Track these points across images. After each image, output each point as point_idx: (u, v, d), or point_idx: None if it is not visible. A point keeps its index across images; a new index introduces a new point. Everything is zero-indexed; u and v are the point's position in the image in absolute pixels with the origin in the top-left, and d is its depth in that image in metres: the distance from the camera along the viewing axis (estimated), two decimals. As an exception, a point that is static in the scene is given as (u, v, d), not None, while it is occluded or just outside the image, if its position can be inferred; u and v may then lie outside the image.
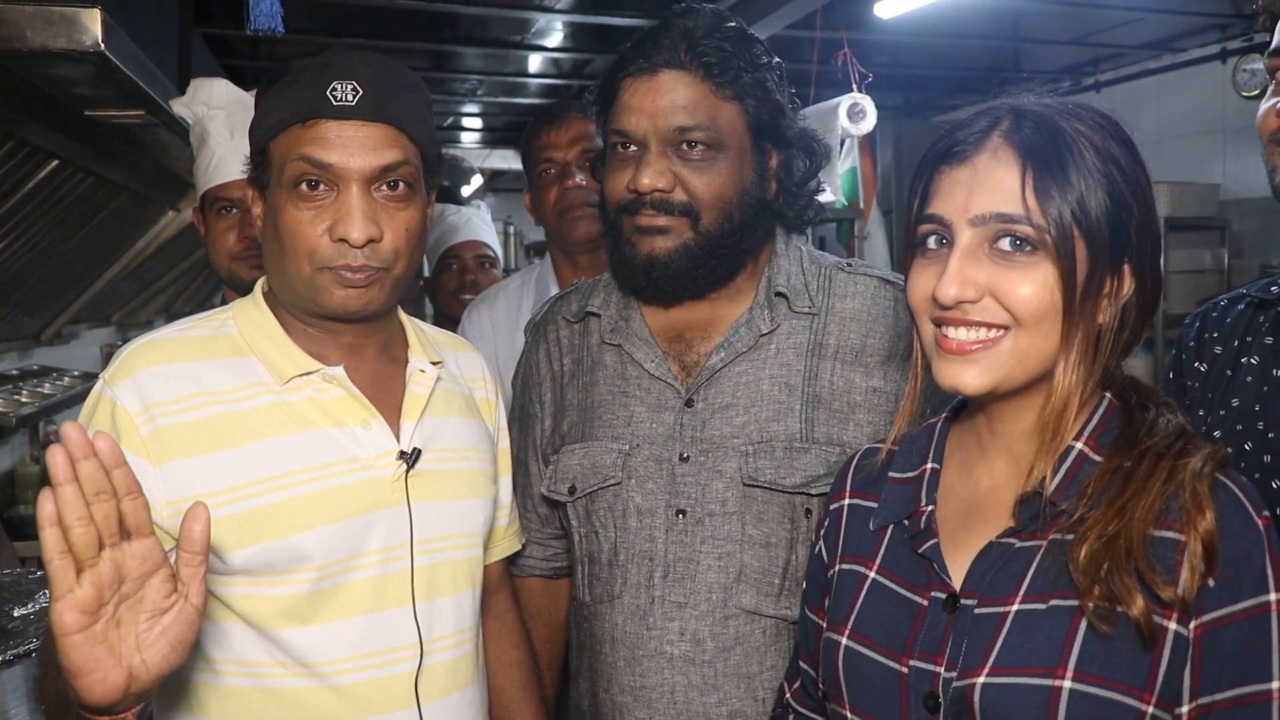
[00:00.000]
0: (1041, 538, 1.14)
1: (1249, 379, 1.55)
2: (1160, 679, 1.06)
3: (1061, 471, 1.16)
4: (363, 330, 1.46)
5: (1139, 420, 1.16)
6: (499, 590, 1.70)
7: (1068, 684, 1.07)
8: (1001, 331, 1.13)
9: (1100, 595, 1.06)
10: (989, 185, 1.13)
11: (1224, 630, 1.06)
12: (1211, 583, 1.06)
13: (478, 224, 3.51)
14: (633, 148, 1.59)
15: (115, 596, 1.06)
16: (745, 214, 1.60)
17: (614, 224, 1.64)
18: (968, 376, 1.15)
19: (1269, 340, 1.54)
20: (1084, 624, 1.08)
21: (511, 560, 1.76)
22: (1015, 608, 1.12)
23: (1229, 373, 1.57)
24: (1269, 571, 1.07)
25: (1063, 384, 1.13)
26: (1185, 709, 1.07)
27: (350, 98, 1.35)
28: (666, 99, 1.56)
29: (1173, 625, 1.06)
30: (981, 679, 1.11)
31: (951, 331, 1.15)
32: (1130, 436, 1.15)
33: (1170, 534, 1.08)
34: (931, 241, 1.17)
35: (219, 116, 2.20)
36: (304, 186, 1.35)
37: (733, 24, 1.61)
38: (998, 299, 1.12)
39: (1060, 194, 1.10)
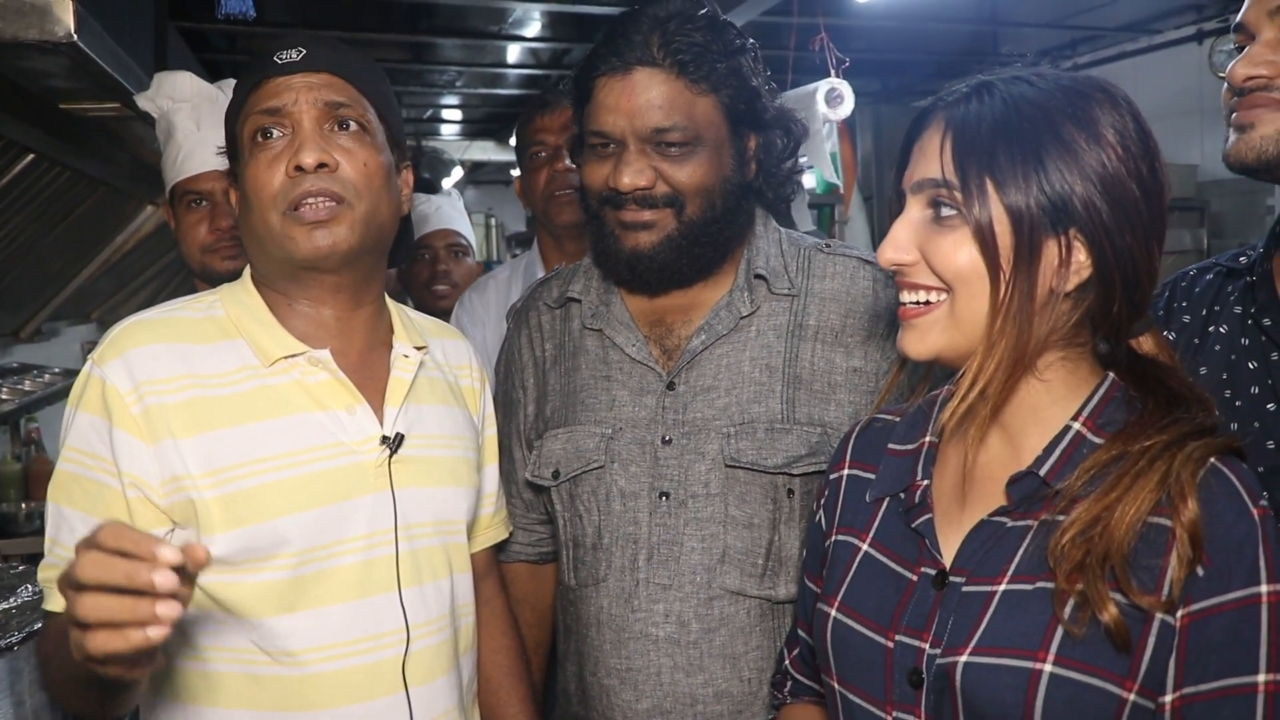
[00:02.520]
0: (1033, 517, 1.14)
1: (1217, 347, 1.56)
2: (1144, 667, 1.05)
3: (1057, 452, 1.15)
4: (345, 296, 1.46)
5: (1152, 409, 1.14)
6: (486, 578, 1.71)
7: (1048, 667, 1.06)
8: (938, 295, 1.16)
9: (1075, 593, 1.06)
10: (927, 153, 1.16)
11: (1211, 620, 1.04)
12: (1200, 571, 1.05)
13: (449, 212, 3.46)
14: (610, 145, 1.59)
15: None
16: (728, 200, 1.61)
17: (596, 214, 1.64)
18: (908, 342, 1.19)
19: (1237, 310, 1.56)
20: (1069, 608, 1.07)
21: (498, 546, 1.76)
22: (1002, 588, 1.12)
23: (1196, 341, 1.58)
24: (1261, 563, 1.05)
25: (987, 345, 1.12)
26: (1169, 698, 1.06)
27: (295, 56, 1.42)
28: (642, 98, 1.55)
29: (1159, 613, 1.05)
30: (964, 658, 1.11)
31: (902, 295, 1.19)
32: (1138, 426, 1.13)
33: (1164, 521, 1.07)
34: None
35: (184, 109, 2.18)
36: (260, 137, 1.40)
37: (704, 11, 1.60)
38: (928, 262, 1.15)
39: (978, 159, 1.11)
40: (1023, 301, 1.11)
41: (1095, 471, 1.11)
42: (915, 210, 1.18)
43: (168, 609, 0.99)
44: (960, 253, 1.13)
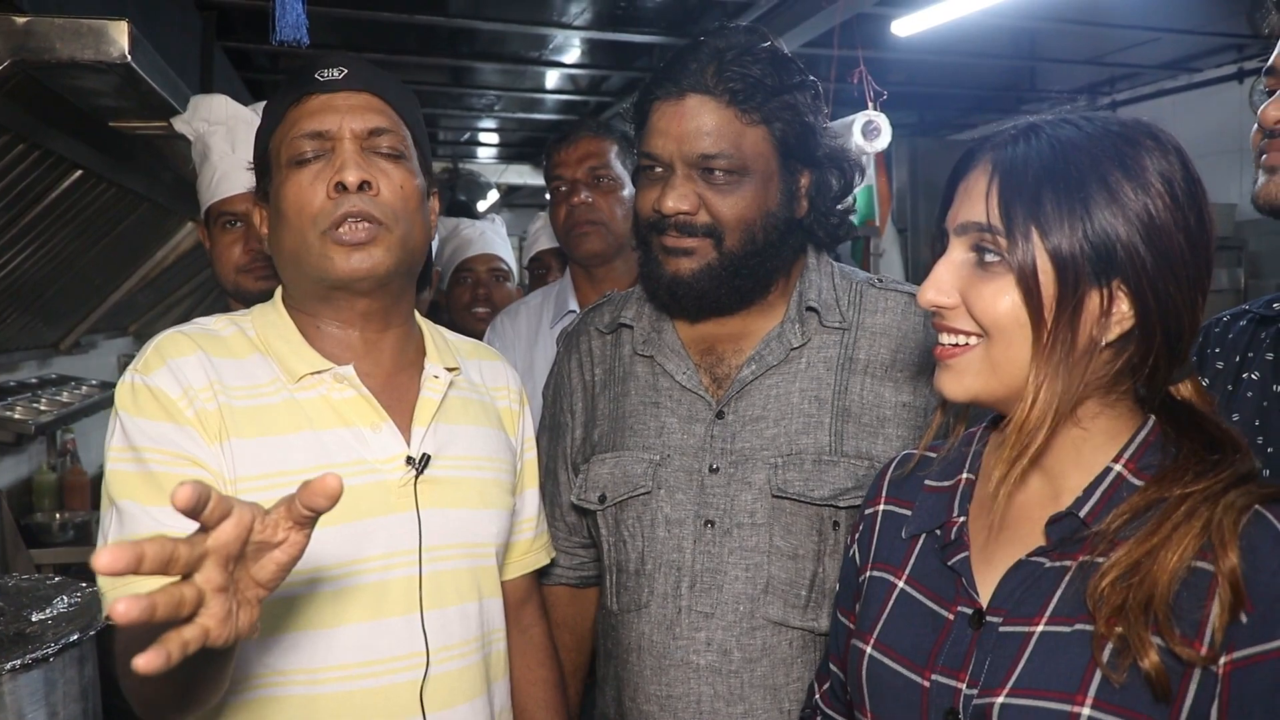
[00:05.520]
0: (1071, 559, 1.12)
1: (1249, 394, 1.54)
2: (1184, 714, 1.03)
3: (1097, 493, 1.14)
4: (374, 318, 1.47)
5: (1189, 453, 1.13)
6: (526, 604, 1.69)
7: (1087, 711, 1.04)
8: (975, 340, 1.15)
9: (1115, 639, 1.04)
10: (972, 195, 1.15)
11: (1255, 669, 1.02)
12: (1244, 618, 1.02)
13: (491, 237, 3.54)
14: (659, 169, 1.61)
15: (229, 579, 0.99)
16: (770, 235, 1.61)
17: (644, 240, 1.66)
18: (945, 383, 1.19)
19: (1269, 356, 1.54)
20: (1108, 651, 1.05)
21: (540, 571, 1.75)
22: (1040, 629, 1.11)
23: (1229, 388, 1.57)
24: None
25: (1030, 396, 1.11)
26: None
27: (336, 75, 1.45)
28: (691, 124, 1.57)
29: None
30: (1001, 699, 1.09)
31: (940, 336, 1.19)
32: (1176, 470, 1.11)
33: (1207, 565, 1.05)
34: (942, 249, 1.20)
35: (220, 132, 2.21)
36: (300, 156, 1.42)
37: (766, 44, 1.61)
38: (968, 307, 1.14)
39: (1024, 206, 1.10)
40: (1064, 352, 1.10)
41: (1133, 515, 1.10)
42: (958, 252, 1.17)
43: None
44: (1002, 300, 1.12)
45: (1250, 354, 1.57)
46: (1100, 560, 1.08)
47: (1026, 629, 1.12)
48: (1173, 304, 1.10)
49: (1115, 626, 1.04)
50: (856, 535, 1.40)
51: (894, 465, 1.40)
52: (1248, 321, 1.61)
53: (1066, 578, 1.12)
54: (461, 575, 1.47)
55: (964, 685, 1.14)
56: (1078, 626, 1.08)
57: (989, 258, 1.13)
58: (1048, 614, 1.11)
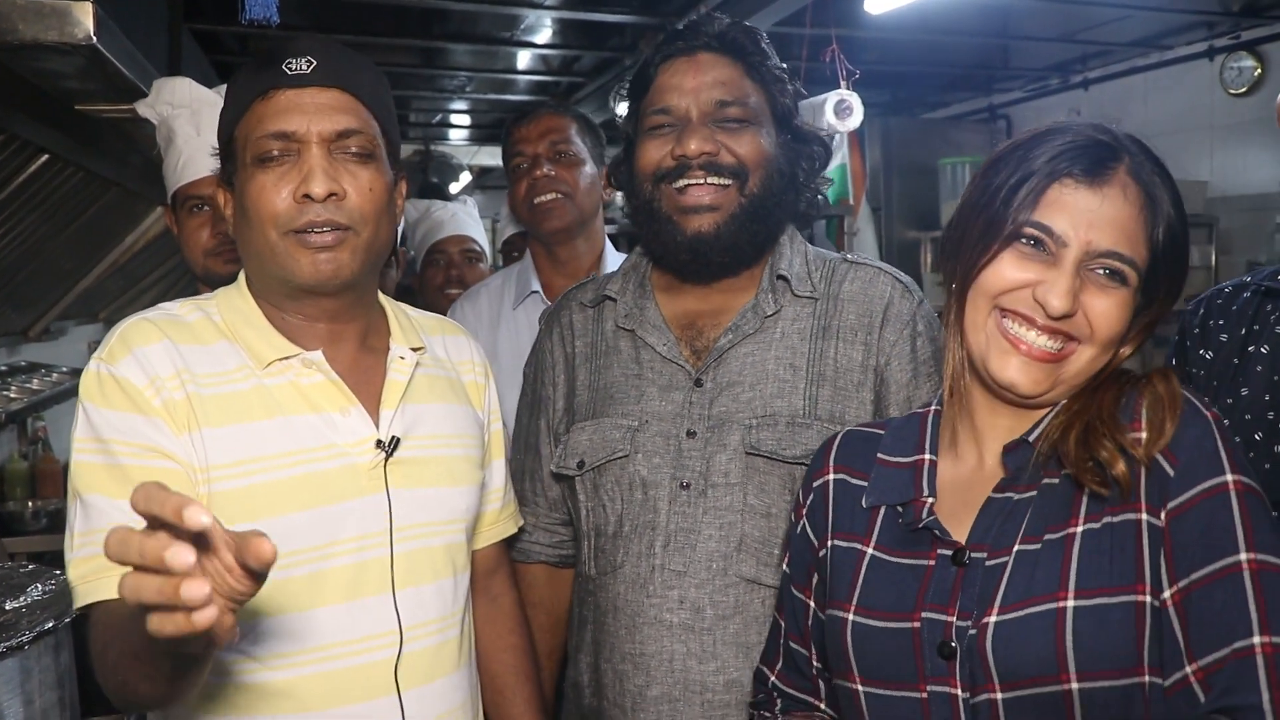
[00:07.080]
0: (1035, 488, 1.23)
1: (1259, 368, 1.55)
2: (1147, 571, 1.14)
3: (1045, 422, 1.25)
4: (340, 313, 1.48)
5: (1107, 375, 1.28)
6: (495, 573, 1.72)
7: (1071, 603, 1.14)
8: (1073, 345, 1.22)
9: (1091, 469, 1.17)
10: (1116, 224, 1.21)
11: (1188, 513, 1.14)
12: (1171, 472, 1.16)
13: (464, 219, 3.53)
14: (672, 124, 1.68)
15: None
16: (781, 180, 1.70)
17: (649, 200, 1.70)
18: (1024, 379, 1.23)
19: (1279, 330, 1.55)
20: (1076, 547, 1.17)
21: (515, 545, 1.77)
22: (1015, 549, 1.20)
23: (1236, 361, 1.58)
24: (1222, 455, 1.16)
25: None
26: (1167, 594, 1.13)
27: (305, 68, 1.41)
28: (708, 76, 1.67)
29: (1145, 517, 1.15)
30: (992, 618, 1.17)
31: (1025, 334, 1.22)
32: (1101, 388, 1.26)
33: (1137, 434, 1.18)
34: (1028, 243, 1.23)
35: (184, 115, 2.19)
36: (265, 156, 1.40)
37: (749, 26, 1.74)
38: (1086, 316, 1.21)
39: (1151, 242, 1.22)
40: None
41: (1065, 420, 1.23)
42: (1081, 264, 1.21)
43: (193, 589, 0.87)
44: (1120, 314, 1.21)
45: (1256, 326, 1.58)
46: (1056, 481, 1.22)
47: (1005, 558, 1.20)
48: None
49: (1087, 463, 1.17)
50: (805, 510, 1.43)
51: (838, 439, 1.46)
52: (1251, 294, 1.62)
53: (1032, 505, 1.22)
54: (436, 553, 1.49)
55: (954, 617, 1.20)
56: (1046, 538, 1.19)
57: (1119, 280, 1.21)
58: (1019, 537, 1.21)
